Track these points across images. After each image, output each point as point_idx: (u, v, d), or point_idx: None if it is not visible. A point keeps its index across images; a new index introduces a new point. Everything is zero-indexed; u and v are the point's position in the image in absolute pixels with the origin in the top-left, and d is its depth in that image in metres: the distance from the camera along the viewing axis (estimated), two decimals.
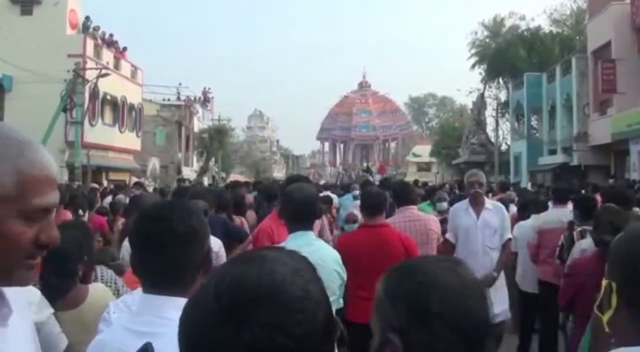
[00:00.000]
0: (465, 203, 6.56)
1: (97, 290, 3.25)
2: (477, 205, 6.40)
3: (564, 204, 7.28)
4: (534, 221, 7.40)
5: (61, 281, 3.04)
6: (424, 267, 1.36)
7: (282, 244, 3.69)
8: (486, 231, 6.30)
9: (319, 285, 1.01)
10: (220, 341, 0.92)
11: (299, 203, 3.75)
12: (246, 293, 0.94)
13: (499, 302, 6.03)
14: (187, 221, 1.92)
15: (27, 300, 2.44)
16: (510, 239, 6.58)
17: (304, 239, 3.61)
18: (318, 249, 3.62)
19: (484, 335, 1.29)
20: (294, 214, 3.77)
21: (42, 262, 3.05)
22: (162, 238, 1.89)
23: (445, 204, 9.77)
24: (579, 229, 6.15)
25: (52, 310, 2.76)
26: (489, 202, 6.67)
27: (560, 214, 7.07)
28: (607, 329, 1.47)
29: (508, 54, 44.20)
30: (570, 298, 4.45)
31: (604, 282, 1.47)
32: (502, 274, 6.53)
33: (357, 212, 10.72)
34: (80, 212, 8.43)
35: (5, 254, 1.19)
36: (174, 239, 1.88)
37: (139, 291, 2.11)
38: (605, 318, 1.46)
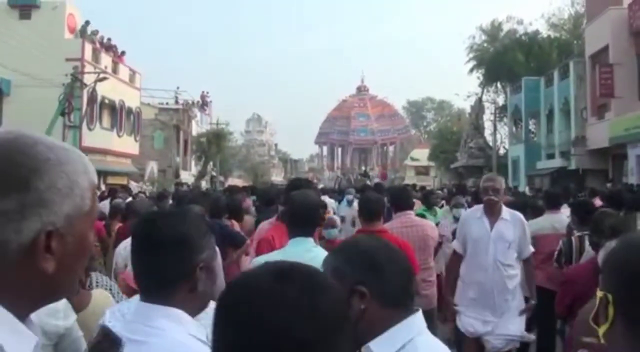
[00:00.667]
0: (479, 210, 5.82)
1: (99, 295, 3.27)
2: (492, 214, 5.67)
3: (557, 209, 7.28)
4: (528, 226, 7.40)
5: None
6: None
7: (282, 250, 3.73)
8: (500, 244, 5.60)
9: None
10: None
11: (301, 209, 3.77)
12: None
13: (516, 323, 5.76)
14: (178, 228, 1.90)
15: (54, 307, 2.47)
16: (532, 254, 5.90)
17: (303, 245, 3.62)
18: (317, 256, 3.62)
19: None
20: (295, 219, 3.78)
21: None
22: (149, 244, 1.90)
23: (462, 211, 8.88)
24: (577, 234, 6.16)
25: (75, 315, 2.79)
26: (507, 212, 5.77)
27: (554, 219, 7.07)
28: (602, 341, 1.42)
29: (506, 58, 44.24)
30: (568, 305, 4.44)
31: (600, 294, 1.43)
32: (520, 293, 5.84)
33: (346, 217, 10.71)
34: None
35: (82, 266, 1.18)
36: (160, 246, 1.87)
37: (136, 298, 2.11)
38: (601, 331, 1.42)
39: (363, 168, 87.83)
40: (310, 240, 3.74)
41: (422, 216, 9.00)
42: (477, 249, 5.67)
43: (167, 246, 1.87)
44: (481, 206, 5.84)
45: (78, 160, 1.15)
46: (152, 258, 1.88)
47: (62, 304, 2.60)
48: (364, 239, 2.08)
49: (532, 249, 5.85)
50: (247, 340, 1.09)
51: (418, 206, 11.29)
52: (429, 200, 10.81)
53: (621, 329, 1.35)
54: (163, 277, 1.86)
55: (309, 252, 3.49)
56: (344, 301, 1.17)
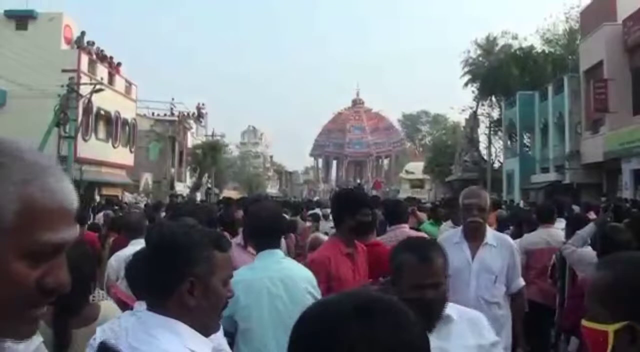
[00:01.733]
0: (457, 234, 4.65)
1: (108, 308, 3.26)
2: (475, 239, 4.52)
3: (550, 223, 7.27)
4: (520, 240, 7.38)
5: (77, 297, 3.04)
6: None
7: (250, 266, 3.61)
8: (483, 276, 4.45)
9: None
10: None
11: (263, 221, 3.70)
12: None
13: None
14: (172, 236, 1.91)
15: None
16: (523, 287, 4.77)
17: (272, 257, 3.55)
18: (287, 268, 3.58)
19: None
20: (259, 232, 3.71)
21: None
22: (147, 248, 1.96)
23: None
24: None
25: (41, 339, 2.77)
26: (492, 235, 4.64)
27: (548, 233, 7.05)
28: None
29: (501, 73, 44.44)
30: (576, 319, 4.39)
31: (614, 327, 1.32)
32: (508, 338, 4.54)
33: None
34: None
35: (4, 301, 0.94)
36: (152, 251, 1.92)
37: (126, 313, 2.12)
38: None
39: (358, 181, 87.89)
40: (279, 251, 3.66)
41: (429, 230, 8.84)
42: (456, 283, 4.02)
43: (157, 252, 1.89)
44: (459, 228, 4.74)
45: (19, 169, 0.94)
46: (145, 263, 1.93)
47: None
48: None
49: (522, 281, 4.71)
50: None
51: (421, 217, 11.19)
52: (436, 213, 10.39)
53: None
54: (151, 284, 1.89)
55: (278, 264, 3.46)
56: (425, 334, 1.10)
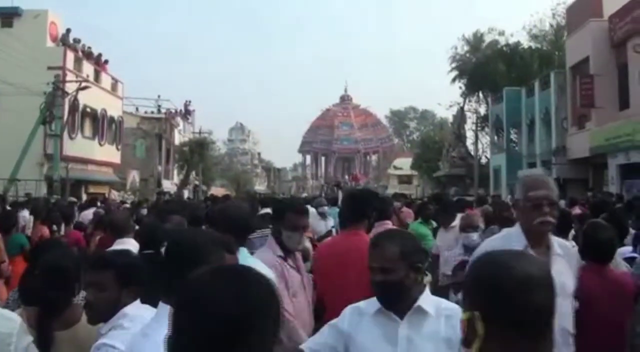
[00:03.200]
0: (517, 239, 3.44)
1: None
2: (539, 246, 3.44)
3: None
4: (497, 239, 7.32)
5: (60, 298, 3.04)
6: None
7: None
8: (562, 301, 2.87)
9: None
10: None
11: (231, 220, 3.73)
12: None
13: None
14: (192, 240, 2.31)
15: (8, 332, 2.46)
16: None
17: (239, 255, 3.55)
18: (252, 266, 3.56)
19: None
20: (227, 231, 3.62)
21: (42, 277, 3.07)
22: (168, 254, 2.37)
23: (475, 236, 6.48)
24: None
25: (31, 337, 2.74)
26: (556, 240, 3.55)
27: None
28: None
29: (488, 69, 44.56)
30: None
31: (466, 315, 1.57)
32: None
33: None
34: (54, 227, 8.31)
35: None
36: (174, 256, 2.31)
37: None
38: (474, 350, 1.52)
39: (339, 179, 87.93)
40: (244, 249, 3.71)
41: (419, 230, 8.61)
42: None
43: (176, 255, 2.30)
44: (514, 230, 3.56)
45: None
46: (165, 266, 2.32)
47: (15, 327, 2.57)
48: (403, 230, 3.13)
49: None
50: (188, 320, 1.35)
51: (407, 215, 11.02)
52: (423, 212, 9.72)
53: (494, 340, 1.48)
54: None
55: (244, 261, 3.37)
56: (265, 292, 1.41)
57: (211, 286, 1.38)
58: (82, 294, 3.75)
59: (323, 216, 10.55)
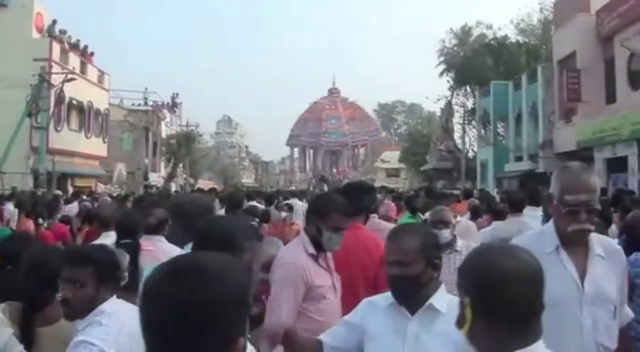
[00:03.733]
0: (549, 237, 2.98)
1: None
2: (577, 245, 2.94)
3: (519, 212, 7.30)
4: (493, 229, 7.35)
5: (42, 294, 3.00)
6: None
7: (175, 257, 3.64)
8: (600, 308, 2.90)
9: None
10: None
11: (192, 215, 3.63)
12: None
13: None
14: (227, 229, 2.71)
15: None
16: (632, 319, 3.26)
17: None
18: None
19: None
20: (190, 225, 3.61)
21: (24, 272, 3.04)
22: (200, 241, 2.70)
23: (447, 233, 5.38)
24: None
25: (11, 330, 2.70)
26: (597, 240, 3.01)
27: (517, 222, 7.02)
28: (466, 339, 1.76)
29: (475, 63, 44.68)
30: None
31: (461, 299, 1.77)
32: None
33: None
34: (40, 220, 8.24)
35: None
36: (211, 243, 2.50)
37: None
38: (464, 332, 1.74)
39: (334, 170, 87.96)
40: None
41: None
42: (556, 320, 2.47)
43: (214, 243, 2.46)
44: (547, 228, 3.10)
45: None
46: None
47: None
48: (424, 226, 3.14)
49: (631, 312, 3.19)
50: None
51: (389, 208, 10.94)
52: (412, 205, 9.45)
53: (482, 327, 1.68)
54: None
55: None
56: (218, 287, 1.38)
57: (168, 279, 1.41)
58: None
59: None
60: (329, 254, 3.92)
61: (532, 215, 7.58)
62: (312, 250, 3.76)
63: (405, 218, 9.15)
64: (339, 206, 3.88)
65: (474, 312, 1.70)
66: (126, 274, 3.48)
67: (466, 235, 6.44)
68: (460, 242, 5.18)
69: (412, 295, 2.64)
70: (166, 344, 1.35)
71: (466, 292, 1.75)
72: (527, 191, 9.83)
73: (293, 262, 3.69)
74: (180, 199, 3.99)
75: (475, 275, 1.74)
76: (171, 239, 4.40)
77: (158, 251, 4.56)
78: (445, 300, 2.62)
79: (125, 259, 4.06)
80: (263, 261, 3.99)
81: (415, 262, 2.61)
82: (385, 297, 2.75)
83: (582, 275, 2.87)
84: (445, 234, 5.32)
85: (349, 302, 2.88)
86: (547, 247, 2.90)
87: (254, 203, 11.00)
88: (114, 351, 2.54)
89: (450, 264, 4.39)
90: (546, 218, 6.47)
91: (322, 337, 2.86)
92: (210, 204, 3.93)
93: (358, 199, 4.59)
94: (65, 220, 9.90)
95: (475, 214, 9.56)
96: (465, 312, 1.72)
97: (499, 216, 7.90)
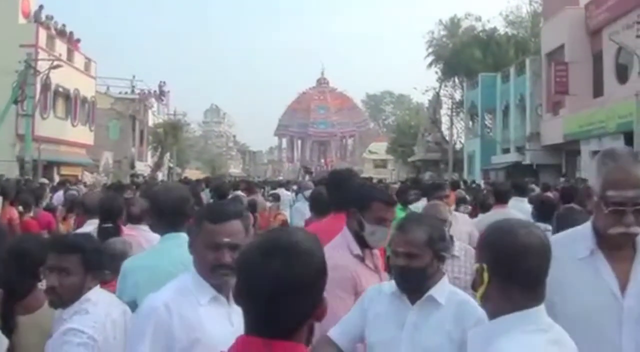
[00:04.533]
0: (583, 239, 2.50)
1: None
2: (617, 249, 2.45)
3: (504, 204, 7.31)
4: (479, 221, 7.33)
5: (24, 282, 2.99)
6: None
7: (153, 247, 3.71)
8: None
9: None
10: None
11: (166, 204, 3.53)
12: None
13: None
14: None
15: None
16: None
17: (174, 240, 3.35)
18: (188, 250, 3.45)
19: None
20: (164, 215, 3.53)
21: (4, 260, 3.00)
22: None
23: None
24: None
25: (7, 341, 2.69)
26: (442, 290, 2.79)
27: (502, 214, 7.00)
28: (479, 300, 2.01)
29: (464, 55, 44.74)
30: None
31: (476, 266, 1.98)
32: None
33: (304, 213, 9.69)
34: (21, 208, 8.15)
35: None
36: None
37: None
38: (479, 294, 1.97)
39: (322, 161, 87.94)
40: (182, 235, 3.33)
41: (397, 216, 8.36)
42: (590, 340, 2.26)
43: None
44: (583, 228, 2.55)
45: None
46: None
47: None
48: (433, 218, 3.19)
49: None
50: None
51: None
52: (404, 197, 8.96)
53: (496, 288, 1.91)
54: None
55: (179, 248, 3.12)
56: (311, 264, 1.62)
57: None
58: None
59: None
60: (376, 251, 3.54)
61: (518, 206, 7.60)
62: (357, 250, 3.38)
63: (397, 209, 9.02)
64: (381, 194, 3.53)
65: (490, 277, 1.92)
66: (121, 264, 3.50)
67: (464, 228, 6.15)
68: (458, 246, 4.84)
69: (417, 286, 2.67)
70: (266, 311, 1.58)
71: (484, 259, 1.96)
72: (514, 182, 9.87)
73: (344, 265, 3.26)
74: (158, 189, 3.85)
75: (497, 246, 1.94)
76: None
77: (139, 236, 4.54)
78: (445, 292, 2.69)
79: (130, 250, 4.03)
80: None
81: (422, 255, 2.63)
82: (390, 285, 2.79)
83: (624, 286, 2.37)
84: None
85: None
86: (580, 251, 2.43)
87: (238, 193, 10.96)
88: (102, 338, 2.56)
89: (448, 273, 3.63)
90: (535, 210, 6.49)
91: (335, 331, 2.81)
92: (186, 195, 3.74)
93: (346, 189, 4.20)
94: (51, 208, 9.84)
95: (458, 204, 9.52)
96: (483, 276, 1.93)
97: (484, 208, 7.91)
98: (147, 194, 4.73)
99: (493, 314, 1.95)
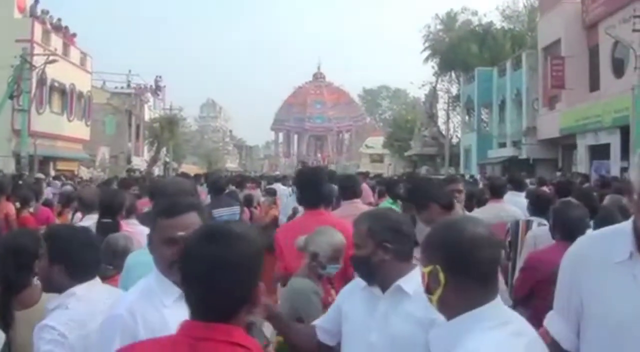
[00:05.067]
0: (618, 242, 2.09)
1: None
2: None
3: (499, 198, 7.31)
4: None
5: (19, 277, 2.99)
6: None
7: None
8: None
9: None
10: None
11: (171, 197, 3.54)
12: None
13: None
14: None
15: None
16: None
17: None
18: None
19: None
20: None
21: (1, 256, 3.00)
22: None
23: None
24: (524, 219, 6.22)
25: (4, 336, 2.69)
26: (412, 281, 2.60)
27: (499, 208, 7.02)
28: (435, 304, 1.98)
29: (460, 49, 44.69)
30: (528, 292, 4.43)
31: (428, 269, 1.96)
32: None
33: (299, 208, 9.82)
34: (18, 204, 8.13)
35: None
36: None
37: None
38: (435, 296, 1.94)
39: (319, 155, 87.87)
40: None
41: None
42: (623, 343, 2.02)
43: None
44: (623, 227, 2.15)
45: None
46: None
47: None
48: (389, 211, 3.09)
49: None
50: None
51: (366, 194, 10.86)
52: (394, 191, 8.93)
53: (450, 288, 1.91)
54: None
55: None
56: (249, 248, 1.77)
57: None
58: None
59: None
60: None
61: (515, 201, 7.60)
62: None
63: (386, 203, 9.09)
64: (440, 198, 3.53)
65: (446, 277, 1.91)
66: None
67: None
68: None
69: (368, 275, 2.77)
70: (204, 294, 1.70)
71: (434, 261, 1.95)
72: (511, 176, 9.87)
73: None
74: (162, 182, 3.85)
75: (448, 242, 1.95)
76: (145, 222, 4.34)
77: (136, 232, 4.54)
78: (414, 282, 2.50)
79: (132, 245, 4.03)
80: None
81: (365, 245, 2.74)
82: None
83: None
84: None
85: None
86: (618, 255, 2.08)
87: (233, 188, 10.98)
88: (75, 336, 2.50)
89: None
90: (531, 205, 6.47)
91: (317, 321, 3.01)
92: (192, 188, 3.78)
93: (315, 190, 4.31)
94: (48, 203, 9.85)
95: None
96: (439, 278, 1.92)
97: (479, 202, 7.91)
98: (152, 188, 4.71)
99: (451, 315, 1.95)
